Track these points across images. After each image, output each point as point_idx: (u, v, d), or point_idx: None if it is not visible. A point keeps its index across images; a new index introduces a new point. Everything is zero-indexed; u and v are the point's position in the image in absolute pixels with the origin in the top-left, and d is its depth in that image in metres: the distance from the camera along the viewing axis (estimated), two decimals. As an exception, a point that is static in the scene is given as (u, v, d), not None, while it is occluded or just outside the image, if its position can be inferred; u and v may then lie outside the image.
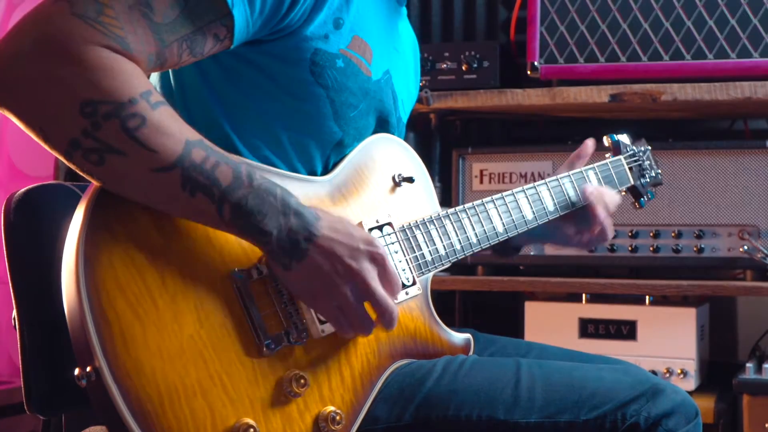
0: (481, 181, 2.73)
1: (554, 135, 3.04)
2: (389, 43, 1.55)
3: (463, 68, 2.73)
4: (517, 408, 1.36)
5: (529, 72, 2.62)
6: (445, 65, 2.75)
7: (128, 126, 1.14)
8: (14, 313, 1.39)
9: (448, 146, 2.85)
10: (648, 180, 1.97)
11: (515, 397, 1.36)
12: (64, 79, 1.12)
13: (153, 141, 1.15)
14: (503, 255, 1.81)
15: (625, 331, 2.60)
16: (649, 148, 2.01)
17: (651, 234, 2.60)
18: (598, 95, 2.55)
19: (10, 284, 1.39)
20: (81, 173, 1.18)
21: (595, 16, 2.58)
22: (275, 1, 1.30)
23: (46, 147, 1.17)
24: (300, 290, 1.28)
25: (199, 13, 1.23)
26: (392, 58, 1.55)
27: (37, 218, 1.41)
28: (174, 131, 1.17)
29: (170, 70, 1.42)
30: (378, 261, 1.29)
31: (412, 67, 1.68)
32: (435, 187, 1.79)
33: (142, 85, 1.16)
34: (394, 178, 1.53)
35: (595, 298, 2.68)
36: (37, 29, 1.13)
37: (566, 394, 1.37)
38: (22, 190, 1.43)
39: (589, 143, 1.82)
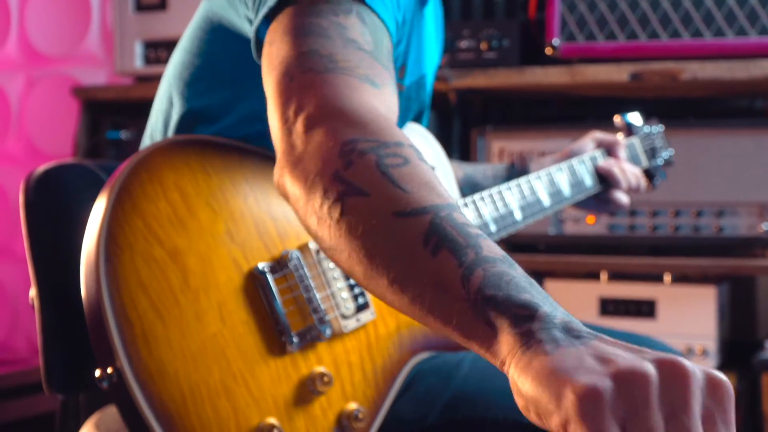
0: (501, 160, 2.71)
1: (574, 114, 3.03)
2: (420, 46, 1.51)
3: (483, 47, 2.72)
4: None
5: (548, 50, 2.60)
6: (464, 43, 2.74)
7: (385, 162, 0.93)
8: (32, 292, 1.37)
9: (467, 125, 2.84)
10: (661, 161, 1.96)
11: None
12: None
13: (409, 183, 0.91)
14: None
15: (645, 309, 2.60)
16: (662, 127, 1.99)
17: (671, 213, 2.59)
18: (618, 73, 2.53)
19: (29, 263, 1.37)
20: (320, 245, 0.97)
21: (615, -6, 2.56)
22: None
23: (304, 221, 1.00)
24: (566, 366, 0.76)
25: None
26: (421, 60, 1.52)
27: (56, 197, 1.40)
28: (441, 189, 0.93)
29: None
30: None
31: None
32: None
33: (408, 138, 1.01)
34: None
35: (615, 276, 2.67)
36: None
37: None
38: (42, 168, 1.41)
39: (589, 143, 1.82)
